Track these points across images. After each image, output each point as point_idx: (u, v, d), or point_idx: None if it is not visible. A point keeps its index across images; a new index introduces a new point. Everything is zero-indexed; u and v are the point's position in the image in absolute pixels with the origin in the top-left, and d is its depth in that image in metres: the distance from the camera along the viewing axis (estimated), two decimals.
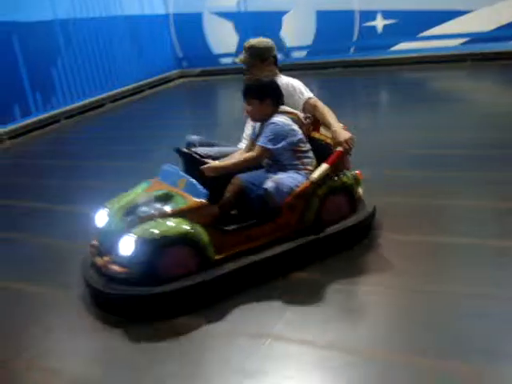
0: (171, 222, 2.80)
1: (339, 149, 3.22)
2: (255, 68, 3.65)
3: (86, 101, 8.74)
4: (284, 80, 3.66)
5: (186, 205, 2.88)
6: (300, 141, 3.20)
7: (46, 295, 3.14)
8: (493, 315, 2.46)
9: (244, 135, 3.79)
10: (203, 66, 11.22)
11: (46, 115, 7.98)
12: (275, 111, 3.22)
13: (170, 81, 10.93)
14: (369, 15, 9.63)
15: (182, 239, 2.79)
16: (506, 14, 8.66)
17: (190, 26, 11.05)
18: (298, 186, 3.10)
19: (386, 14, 9.50)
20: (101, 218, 3.07)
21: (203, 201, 2.89)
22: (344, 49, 9.99)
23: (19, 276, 3.41)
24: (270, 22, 10.25)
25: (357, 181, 3.37)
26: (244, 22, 10.53)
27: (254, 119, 3.30)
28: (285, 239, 3.09)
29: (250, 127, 3.57)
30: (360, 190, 3.43)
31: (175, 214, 2.84)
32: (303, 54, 10.37)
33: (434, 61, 9.18)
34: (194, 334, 2.58)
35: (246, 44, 3.69)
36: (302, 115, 3.34)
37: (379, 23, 9.62)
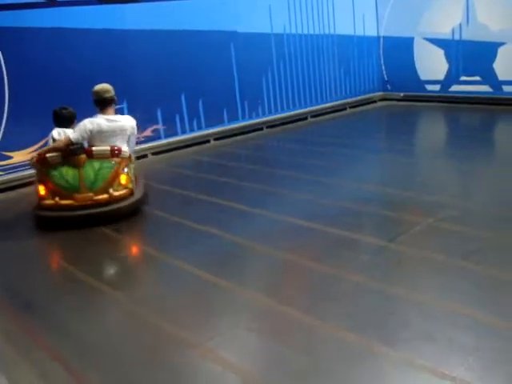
0: None
1: None
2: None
3: (289, 113, 9.14)
4: None
5: None
6: None
7: (233, 291, 3.39)
8: None
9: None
10: (407, 91, 11.11)
11: (250, 122, 8.51)
12: None
13: (372, 102, 10.99)
14: None
15: None
16: None
17: (399, 49, 11.01)
18: None
19: None
20: None
21: None
22: None
23: (214, 270, 3.72)
24: (484, 52, 9.87)
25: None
26: (456, 50, 10.25)
27: None
28: None
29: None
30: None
31: None
32: None
33: None
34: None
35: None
36: None
37: None
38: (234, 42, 8.18)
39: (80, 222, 4.75)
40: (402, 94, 11.19)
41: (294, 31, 9.13)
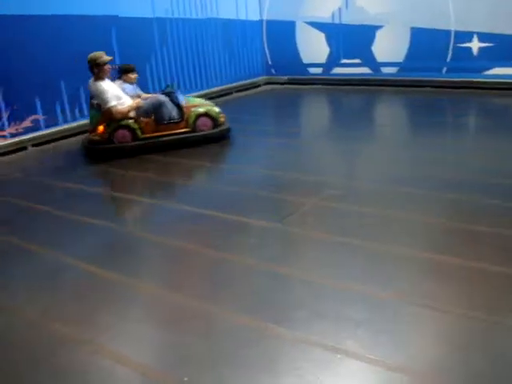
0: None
1: None
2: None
3: None
4: None
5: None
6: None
7: (123, 283, 3.30)
8: None
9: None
10: (291, 75, 11.31)
11: None
12: None
13: (257, 86, 11.08)
14: (465, 36, 9.43)
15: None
16: None
17: (282, 33, 11.16)
18: None
19: (483, 37, 9.28)
20: None
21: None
22: (436, 69, 9.82)
23: (103, 262, 3.62)
24: (363, 35, 10.23)
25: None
26: (336, 33, 10.55)
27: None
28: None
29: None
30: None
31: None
32: (394, 70, 10.27)
33: None
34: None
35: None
36: None
37: (475, 45, 9.40)
38: (115, 27, 7.92)
39: None
40: (285, 78, 11.40)
41: (176, 15, 9.01)
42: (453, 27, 9.47)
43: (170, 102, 6.41)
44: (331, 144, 6.57)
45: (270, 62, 11.53)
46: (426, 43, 9.66)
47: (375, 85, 10.03)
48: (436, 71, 9.83)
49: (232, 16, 10.45)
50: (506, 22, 8.93)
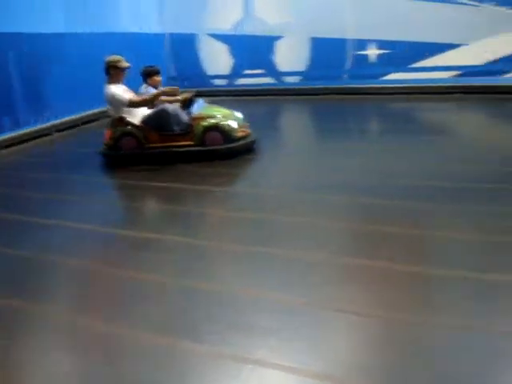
0: None
1: None
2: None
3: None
4: None
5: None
6: None
7: (25, 310, 3.12)
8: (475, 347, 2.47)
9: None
10: (195, 87, 11.27)
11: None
12: None
13: None
14: (362, 44, 9.76)
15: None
16: (497, 48, 8.81)
17: (186, 46, 11.13)
18: None
19: (379, 44, 9.64)
20: None
21: None
22: (337, 76, 10.10)
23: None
24: (265, 46, 10.38)
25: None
26: (239, 44, 10.64)
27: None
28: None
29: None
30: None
31: None
32: (297, 79, 10.46)
33: (424, 92, 9.31)
34: None
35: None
36: None
37: (372, 52, 9.75)
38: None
39: None
40: (194, 90, 11.32)
41: (74, 31, 8.75)
42: (350, 35, 9.78)
43: (181, 112, 5.96)
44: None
45: (174, 75, 11.46)
46: (326, 52, 9.94)
47: (279, 94, 10.19)
48: (337, 79, 10.12)
49: (133, 29, 10.30)
50: (401, 29, 9.32)
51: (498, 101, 8.54)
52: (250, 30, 10.56)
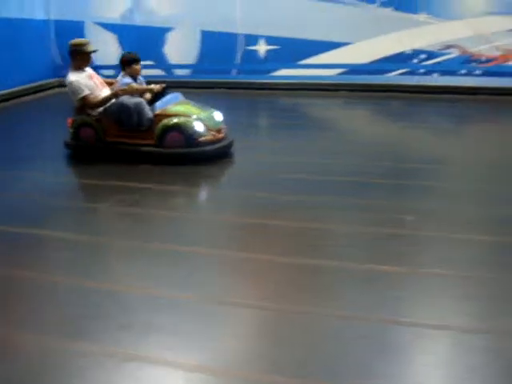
0: None
1: None
2: None
3: None
4: None
5: None
6: None
7: None
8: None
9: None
10: None
11: None
12: None
13: (49, 88, 10.51)
14: (252, 39, 9.87)
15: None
16: (381, 48, 9.23)
17: (72, 33, 10.71)
18: None
19: (269, 40, 9.79)
20: None
21: None
22: (227, 70, 10.15)
23: None
24: (154, 37, 10.23)
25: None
26: (128, 35, 10.41)
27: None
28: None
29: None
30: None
31: None
32: (187, 72, 10.40)
33: (311, 88, 9.55)
34: None
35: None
36: None
37: (262, 48, 9.88)
38: None
39: None
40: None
41: None
42: (240, 30, 9.85)
43: (144, 107, 5.36)
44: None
45: (61, 63, 11.01)
46: (216, 46, 9.94)
47: (168, 87, 10.07)
48: (227, 73, 10.16)
49: (14, 15, 9.78)
50: (292, 26, 9.52)
51: (382, 99, 8.94)
52: (139, 20, 10.35)
